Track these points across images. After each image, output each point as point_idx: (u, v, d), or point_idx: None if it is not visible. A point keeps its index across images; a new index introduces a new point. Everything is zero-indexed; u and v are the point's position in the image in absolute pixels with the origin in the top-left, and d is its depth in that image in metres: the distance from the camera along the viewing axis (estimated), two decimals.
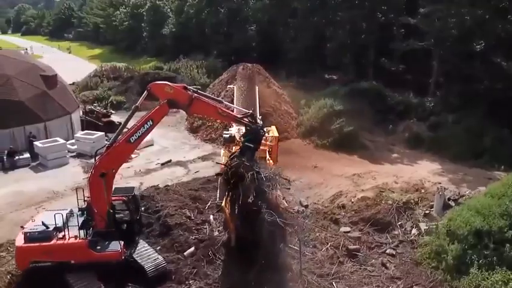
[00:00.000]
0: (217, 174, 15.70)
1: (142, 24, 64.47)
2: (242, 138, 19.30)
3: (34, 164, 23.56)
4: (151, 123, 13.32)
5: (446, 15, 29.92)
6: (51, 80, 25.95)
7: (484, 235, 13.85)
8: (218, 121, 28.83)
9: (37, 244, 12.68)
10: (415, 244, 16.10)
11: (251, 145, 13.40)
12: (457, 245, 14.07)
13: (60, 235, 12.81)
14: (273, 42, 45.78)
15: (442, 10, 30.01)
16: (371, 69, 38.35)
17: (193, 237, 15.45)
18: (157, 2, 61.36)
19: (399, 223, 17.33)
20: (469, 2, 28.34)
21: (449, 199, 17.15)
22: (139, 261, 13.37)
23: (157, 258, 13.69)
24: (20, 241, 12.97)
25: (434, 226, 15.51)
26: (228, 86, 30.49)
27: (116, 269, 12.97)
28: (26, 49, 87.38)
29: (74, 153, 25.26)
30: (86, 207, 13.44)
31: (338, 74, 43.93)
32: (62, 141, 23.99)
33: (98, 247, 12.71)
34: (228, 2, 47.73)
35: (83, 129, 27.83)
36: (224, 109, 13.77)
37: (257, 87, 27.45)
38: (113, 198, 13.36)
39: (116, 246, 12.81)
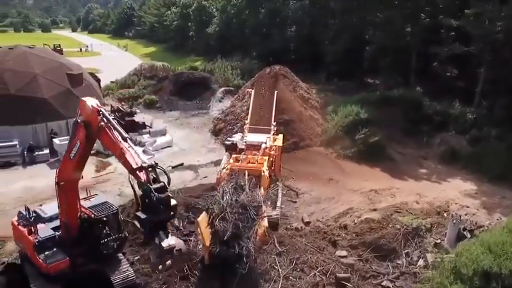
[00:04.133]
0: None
1: (189, 24, 65.36)
2: (244, 146, 18.65)
3: (52, 160, 24.21)
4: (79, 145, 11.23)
5: (498, 16, 26.77)
6: (76, 78, 26.65)
7: (492, 278, 11.78)
8: (238, 125, 28.22)
9: (18, 227, 13.08)
10: (418, 277, 14.24)
11: (142, 216, 9.59)
12: (460, 285, 12.12)
13: (34, 227, 12.58)
14: (312, 44, 44.29)
15: (492, 11, 26.93)
16: (413, 75, 35.58)
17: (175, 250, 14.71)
18: (203, 2, 61.83)
19: (405, 251, 15.49)
20: None
21: (464, 229, 15.00)
22: (108, 272, 12.92)
23: (127, 270, 13.14)
24: (15, 218, 13.50)
25: (439, 260, 13.53)
26: (247, 89, 29.57)
27: (84, 279, 12.58)
28: (87, 46, 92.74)
29: (93, 151, 25.65)
30: None
31: (379, 78, 41.55)
32: None
33: (44, 253, 12.06)
34: (268, 2, 46.79)
35: None
36: (126, 151, 10.24)
37: (276, 92, 26.24)
38: (86, 212, 12.78)
39: (60, 257, 12.08)
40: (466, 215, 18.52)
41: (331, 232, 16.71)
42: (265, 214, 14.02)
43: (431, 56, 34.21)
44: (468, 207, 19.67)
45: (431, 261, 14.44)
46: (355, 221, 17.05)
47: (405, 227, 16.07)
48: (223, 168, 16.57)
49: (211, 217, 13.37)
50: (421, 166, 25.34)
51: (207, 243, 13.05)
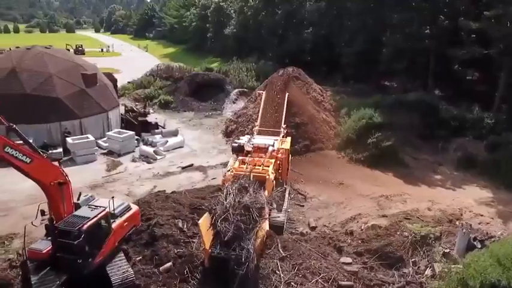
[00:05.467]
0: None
1: (207, 25, 65.67)
2: (251, 148, 18.47)
3: (65, 158, 24.53)
4: None
5: None
6: (90, 78, 26.99)
7: None
8: (249, 126, 28.06)
9: None
10: (424, 287, 13.78)
11: None
12: None
13: None
14: (328, 46, 43.81)
15: None
16: (431, 78, 34.73)
17: (176, 251, 14.69)
18: (221, 3, 62.02)
19: (412, 260, 15.01)
20: None
21: (474, 239, 14.43)
22: (108, 271, 12.94)
23: (127, 270, 13.12)
24: None
25: (446, 270, 13.04)
26: (258, 91, 29.38)
27: (84, 278, 12.63)
28: (108, 47, 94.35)
29: (105, 151, 26.02)
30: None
31: (396, 81, 40.78)
32: (91, 138, 24.77)
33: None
34: (285, 3, 46.50)
35: (122, 128, 28.67)
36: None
37: (287, 94, 25.98)
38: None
39: (41, 246, 12.39)
40: (479, 223, 17.95)
41: (336, 238, 16.36)
42: (266, 216, 13.79)
43: (451, 59, 33.32)
44: (482, 215, 19.02)
45: (439, 271, 13.94)
46: (362, 227, 16.63)
47: (413, 234, 15.59)
48: (228, 170, 16.44)
49: (214, 218, 13.29)
50: (436, 172, 24.71)
51: (207, 246, 12.92)
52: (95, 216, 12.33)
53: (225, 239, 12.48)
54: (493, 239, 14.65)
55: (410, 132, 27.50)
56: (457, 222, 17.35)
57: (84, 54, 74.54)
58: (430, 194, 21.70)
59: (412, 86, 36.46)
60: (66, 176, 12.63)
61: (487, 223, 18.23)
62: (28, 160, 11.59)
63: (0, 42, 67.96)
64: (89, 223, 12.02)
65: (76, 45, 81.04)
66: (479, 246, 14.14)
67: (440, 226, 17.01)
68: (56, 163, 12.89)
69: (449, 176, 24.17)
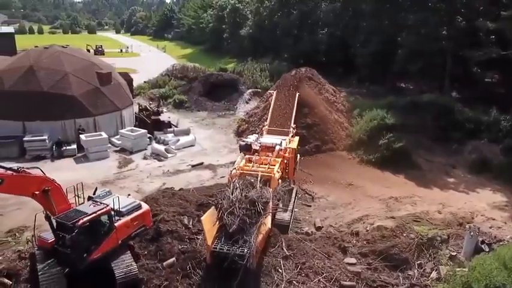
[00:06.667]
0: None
1: (223, 26, 66.06)
2: (258, 147, 18.52)
3: (79, 155, 25.12)
4: None
5: None
6: (105, 77, 27.50)
7: None
8: (260, 126, 28.10)
9: None
10: None
11: None
12: None
13: None
14: (343, 47, 43.52)
15: None
16: (447, 80, 34.12)
17: (180, 247, 14.83)
18: (237, 4, 62.33)
19: (418, 262, 14.76)
20: None
21: (482, 242, 14.10)
22: (112, 266, 13.15)
23: (131, 265, 13.31)
24: None
25: (451, 273, 12.79)
26: (269, 91, 29.37)
27: (88, 271, 12.88)
28: (127, 47, 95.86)
29: (118, 148, 26.47)
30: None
31: (412, 83, 40.23)
32: (104, 135, 25.23)
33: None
34: (300, 4, 46.41)
35: (135, 126, 29.12)
36: None
37: (298, 94, 25.91)
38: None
39: (49, 236, 12.79)
40: (490, 227, 17.60)
41: (341, 238, 16.20)
42: (269, 210, 13.82)
43: (469, 61, 32.63)
44: (494, 219, 18.64)
45: (445, 274, 13.67)
46: (368, 228, 16.45)
47: (420, 236, 15.34)
48: (233, 168, 16.53)
49: (220, 211, 13.41)
50: (449, 175, 24.23)
51: (209, 243, 13.01)
52: (94, 213, 12.48)
53: (230, 230, 12.68)
54: (501, 243, 14.28)
55: (424, 134, 27.04)
56: (467, 226, 17.02)
57: (103, 54, 75.95)
58: (442, 196, 21.31)
59: (428, 87, 35.90)
60: (53, 180, 12.77)
61: (499, 227, 17.84)
62: None
63: (25, 42, 69.73)
64: (85, 219, 12.15)
65: (96, 46, 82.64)
66: (487, 249, 13.82)
67: (449, 229, 16.75)
68: (38, 171, 12.84)
69: (462, 179, 23.68)
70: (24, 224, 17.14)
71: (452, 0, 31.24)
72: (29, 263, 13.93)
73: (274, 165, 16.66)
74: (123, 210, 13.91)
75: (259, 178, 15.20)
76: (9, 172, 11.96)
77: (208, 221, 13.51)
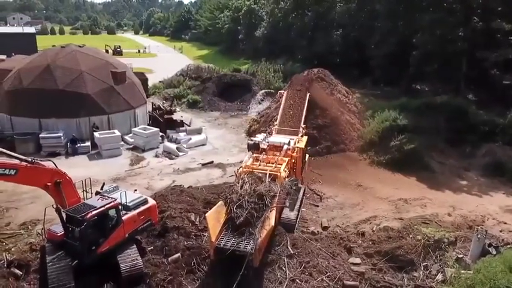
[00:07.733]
0: None
1: (239, 27, 66.37)
2: (266, 146, 18.62)
3: (93, 152, 25.63)
4: None
5: None
6: (119, 76, 27.99)
7: None
8: (271, 126, 28.17)
9: None
10: None
11: None
12: None
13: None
14: (358, 48, 43.26)
15: None
16: (463, 81, 33.57)
17: (185, 243, 15.03)
18: (252, 5, 62.56)
19: (424, 264, 14.61)
20: None
21: (490, 245, 13.86)
22: (118, 259, 13.41)
23: (136, 259, 13.55)
24: None
25: (456, 275, 12.63)
26: (279, 91, 29.40)
27: (95, 264, 13.17)
28: (145, 48, 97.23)
29: (131, 146, 26.91)
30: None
31: (427, 85, 39.69)
32: (117, 133, 25.67)
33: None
34: (315, 5, 46.29)
35: (149, 124, 29.56)
36: None
37: (309, 94, 25.88)
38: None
39: (58, 229, 13.14)
40: (501, 231, 17.28)
41: (347, 238, 16.17)
42: (275, 204, 13.90)
43: (486, 62, 32.03)
44: (506, 223, 18.27)
45: (450, 276, 13.50)
46: (374, 229, 16.35)
47: (426, 238, 15.17)
48: (240, 167, 16.66)
49: (229, 205, 13.57)
50: (462, 178, 23.91)
51: (213, 239, 13.14)
52: (102, 207, 12.76)
53: (238, 222, 12.90)
54: (508, 246, 14.01)
55: (437, 136, 26.71)
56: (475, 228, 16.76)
57: (121, 54, 77.18)
58: (453, 199, 21.02)
59: (444, 89, 35.36)
60: (65, 173, 13.08)
61: (510, 231, 17.49)
62: (13, 172, 11.88)
63: (46, 43, 71.53)
64: (94, 212, 12.46)
65: (114, 46, 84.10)
66: (494, 252, 13.59)
67: (458, 231, 16.51)
68: (51, 163, 13.17)
69: (475, 182, 23.31)
70: (37, 217, 17.55)
71: (468, 0, 30.65)
72: (39, 255, 14.37)
73: (281, 164, 16.72)
74: (130, 204, 14.20)
75: (267, 174, 15.33)
76: (24, 163, 12.34)
77: (213, 217, 13.67)
